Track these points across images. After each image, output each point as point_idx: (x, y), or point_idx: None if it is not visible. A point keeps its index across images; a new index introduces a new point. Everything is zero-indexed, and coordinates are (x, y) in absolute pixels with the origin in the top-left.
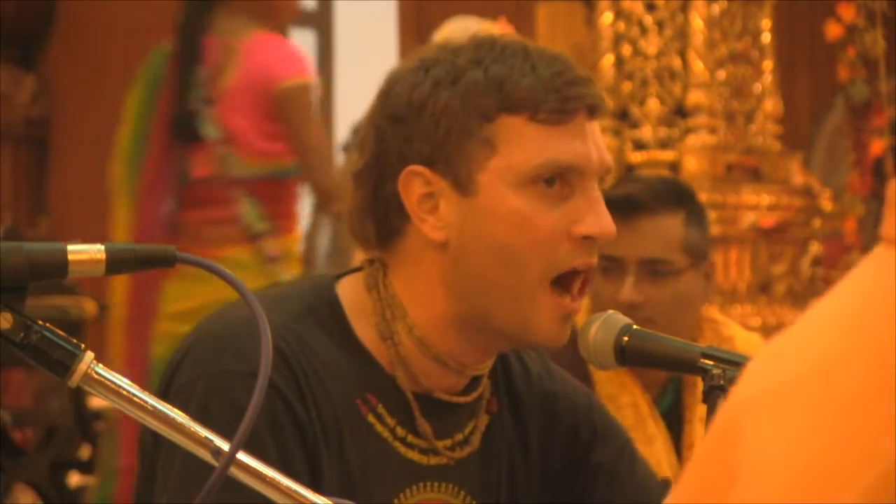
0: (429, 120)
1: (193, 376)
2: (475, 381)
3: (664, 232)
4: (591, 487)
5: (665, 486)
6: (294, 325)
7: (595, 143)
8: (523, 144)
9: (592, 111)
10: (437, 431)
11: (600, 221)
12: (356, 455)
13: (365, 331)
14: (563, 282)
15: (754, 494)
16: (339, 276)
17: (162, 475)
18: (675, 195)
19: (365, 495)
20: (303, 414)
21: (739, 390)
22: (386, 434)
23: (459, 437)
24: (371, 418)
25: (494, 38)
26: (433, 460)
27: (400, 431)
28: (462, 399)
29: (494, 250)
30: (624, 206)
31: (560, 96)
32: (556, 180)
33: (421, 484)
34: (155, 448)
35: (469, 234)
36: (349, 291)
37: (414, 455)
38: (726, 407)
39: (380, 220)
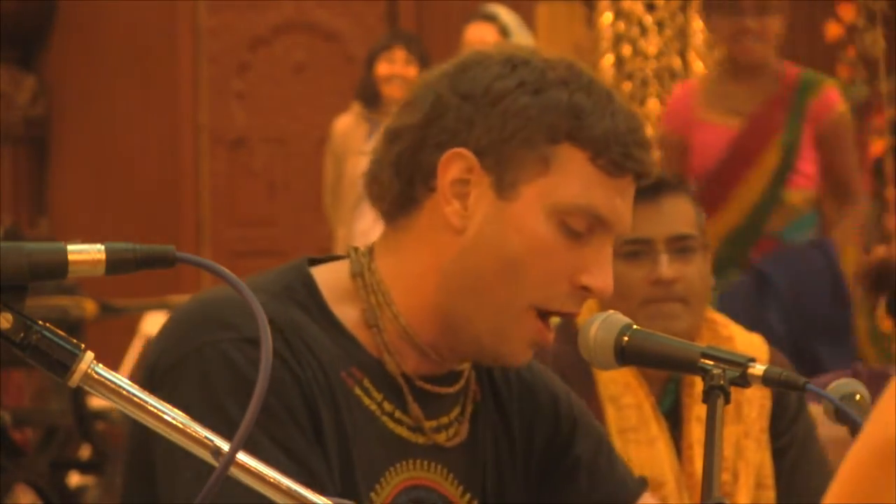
0: (499, 114)
1: (181, 355)
2: (457, 370)
3: (684, 209)
4: (571, 480)
5: (642, 482)
6: (273, 304)
7: (630, 207)
8: (574, 179)
9: (640, 178)
10: (424, 413)
11: (604, 279)
12: (349, 423)
13: (346, 314)
14: (543, 314)
15: None
16: (312, 261)
17: (167, 463)
18: (678, 177)
19: (360, 463)
20: (298, 370)
21: None
22: (374, 407)
23: (445, 420)
24: (358, 391)
25: (586, 69)
26: (422, 439)
27: (388, 406)
28: (445, 389)
29: (503, 259)
30: (649, 187)
31: (625, 152)
32: (585, 226)
33: (411, 461)
34: (146, 438)
35: (487, 234)
36: (328, 277)
37: (403, 431)
38: None
39: (404, 182)
